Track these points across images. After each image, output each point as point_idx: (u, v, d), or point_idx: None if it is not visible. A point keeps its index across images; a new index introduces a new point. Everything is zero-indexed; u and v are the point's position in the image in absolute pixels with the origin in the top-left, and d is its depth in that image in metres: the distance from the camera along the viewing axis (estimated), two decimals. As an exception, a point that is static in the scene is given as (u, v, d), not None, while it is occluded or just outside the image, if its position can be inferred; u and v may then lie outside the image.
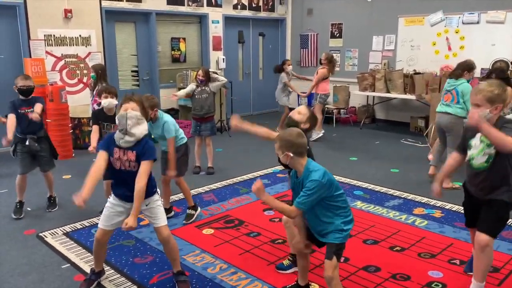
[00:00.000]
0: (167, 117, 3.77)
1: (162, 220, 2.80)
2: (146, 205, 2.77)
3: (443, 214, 4.10)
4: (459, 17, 7.20)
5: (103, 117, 3.87)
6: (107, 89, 3.95)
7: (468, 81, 4.68)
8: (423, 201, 4.45)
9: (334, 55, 7.48)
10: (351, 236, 3.64)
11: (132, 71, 7.73)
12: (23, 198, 4.13)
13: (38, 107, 3.93)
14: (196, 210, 4.02)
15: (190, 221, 3.92)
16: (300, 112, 2.90)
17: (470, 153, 2.63)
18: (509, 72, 6.28)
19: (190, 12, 8.07)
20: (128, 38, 7.58)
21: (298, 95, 7.77)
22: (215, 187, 4.91)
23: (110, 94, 3.87)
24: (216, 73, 7.49)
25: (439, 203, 4.37)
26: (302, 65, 9.52)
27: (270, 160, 5.55)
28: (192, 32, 8.39)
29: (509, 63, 6.66)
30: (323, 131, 7.12)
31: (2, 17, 6.16)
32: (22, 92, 3.94)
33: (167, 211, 3.92)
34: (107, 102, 3.82)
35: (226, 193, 4.71)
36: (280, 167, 5.33)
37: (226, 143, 6.94)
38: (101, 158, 2.65)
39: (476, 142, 2.59)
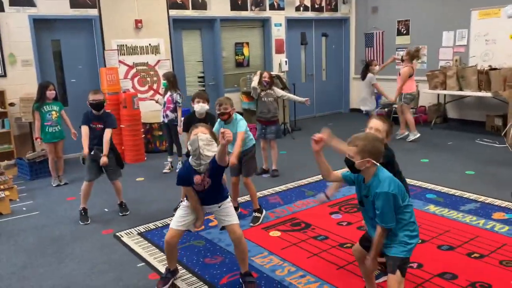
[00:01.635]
0: (241, 117, 3.90)
1: (234, 218, 2.89)
2: (219, 207, 2.88)
3: (526, 219, 3.81)
4: (541, 7, 6.68)
5: (196, 122, 4.02)
6: (199, 94, 4.21)
7: None
8: (503, 205, 4.17)
9: (418, 47, 7.13)
10: (425, 241, 3.49)
11: (199, 77, 7.97)
12: (87, 205, 4.24)
13: (107, 134, 4.08)
14: (261, 213, 4.06)
15: (257, 223, 3.96)
16: (378, 130, 2.80)
17: None
18: None
19: (253, 17, 8.17)
20: (194, 45, 7.83)
21: (378, 96, 7.31)
22: (280, 190, 4.91)
23: (202, 99, 4.11)
24: (278, 75, 7.53)
25: (522, 208, 4.07)
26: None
27: (334, 162, 5.44)
28: (255, 36, 8.49)
29: None
30: (418, 134, 6.87)
31: (80, 30, 6.62)
32: (93, 106, 4.16)
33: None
34: (199, 107, 4.07)
35: (291, 196, 4.70)
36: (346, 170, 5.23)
37: (290, 146, 6.95)
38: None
39: None
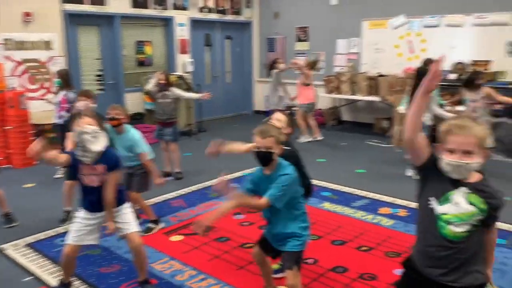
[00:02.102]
0: (135, 131, 3.69)
1: (133, 226, 2.77)
2: (117, 213, 2.75)
3: (408, 213, 4.21)
4: (420, 21, 7.42)
5: None
6: (83, 92, 3.94)
7: None
8: (388, 201, 4.55)
9: (317, 60, 7.54)
10: (320, 237, 3.70)
11: (97, 75, 7.58)
12: None
13: None
14: (157, 224, 3.86)
15: (148, 234, 3.75)
16: (279, 120, 2.94)
17: (443, 209, 1.72)
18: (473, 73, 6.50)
19: (155, 15, 7.98)
20: (91, 41, 7.42)
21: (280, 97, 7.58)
22: (184, 193, 4.85)
23: (87, 96, 3.88)
24: (182, 76, 7.45)
25: (404, 202, 4.48)
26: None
27: (240, 163, 5.52)
28: (158, 35, 8.30)
29: (468, 65, 6.92)
30: (320, 137, 7.20)
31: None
32: None
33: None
34: (84, 104, 3.83)
35: (195, 199, 4.66)
36: (250, 170, 5.35)
37: (195, 147, 6.88)
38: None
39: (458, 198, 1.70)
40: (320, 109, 8.84)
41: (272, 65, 7.38)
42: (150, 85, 5.28)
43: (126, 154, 3.65)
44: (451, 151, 1.65)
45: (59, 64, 6.65)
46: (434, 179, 1.73)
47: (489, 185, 1.71)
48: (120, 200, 2.76)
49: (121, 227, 2.76)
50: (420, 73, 5.11)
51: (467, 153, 1.63)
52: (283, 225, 2.43)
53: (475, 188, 1.68)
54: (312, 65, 7.26)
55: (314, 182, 5.07)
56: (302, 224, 2.45)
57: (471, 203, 1.67)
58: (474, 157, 1.64)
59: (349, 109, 8.70)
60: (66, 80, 5.19)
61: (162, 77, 5.17)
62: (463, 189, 1.68)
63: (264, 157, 2.35)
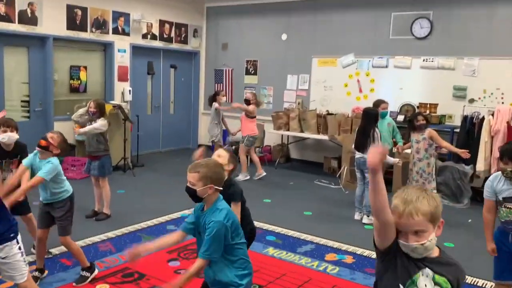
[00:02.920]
0: (56, 160, 3.47)
1: (22, 276, 2.52)
2: (2, 258, 2.43)
3: (354, 260, 4.21)
4: (369, 61, 7.73)
5: (2, 154, 3.64)
6: (5, 122, 3.69)
7: None
8: (335, 246, 4.55)
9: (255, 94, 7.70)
10: (261, 286, 3.61)
11: (23, 101, 7.22)
12: None
13: None
14: (92, 272, 3.63)
15: (82, 283, 3.53)
16: (220, 155, 2.97)
17: None
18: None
19: (93, 39, 7.81)
20: (19, 63, 7.09)
21: (226, 132, 7.79)
22: (113, 235, 4.63)
23: (10, 127, 3.67)
24: (120, 106, 7.29)
25: (350, 248, 4.50)
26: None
27: (178, 203, 5.44)
28: (95, 61, 8.10)
29: (415, 107, 7.29)
30: (263, 174, 7.26)
31: None
32: None
33: (41, 271, 3.59)
34: (7, 136, 3.63)
35: (126, 242, 4.44)
36: (189, 211, 5.23)
37: (130, 184, 6.70)
38: None
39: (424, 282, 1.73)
40: (268, 145, 8.92)
41: (213, 97, 7.45)
42: (78, 114, 5.08)
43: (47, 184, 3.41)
44: (403, 233, 1.62)
45: (-22, 87, 6.29)
46: (397, 263, 1.67)
47: (449, 257, 1.70)
48: (4, 235, 2.45)
49: (6, 274, 2.48)
50: (368, 114, 5.32)
51: (419, 232, 1.60)
52: (220, 272, 2.36)
53: (439, 265, 1.66)
54: (259, 102, 7.48)
55: (258, 224, 5.06)
56: (241, 272, 2.37)
57: (436, 283, 1.65)
58: (427, 234, 1.60)
59: (297, 146, 8.80)
60: None
61: (92, 104, 4.99)
62: (427, 272, 1.65)
63: (189, 193, 2.35)
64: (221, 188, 2.37)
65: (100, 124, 5.01)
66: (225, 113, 7.70)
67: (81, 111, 5.11)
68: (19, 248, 2.52)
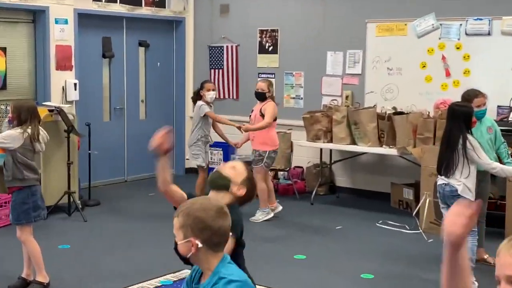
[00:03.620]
0: None
1: None
2: None
3: None
4: (461, 25, 7.63)
5: None
6: None
7: None
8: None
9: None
10: None
11: None
12: None
13: None
14: None
15: None
16: (235, 168, 3.13)
17: None
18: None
19: (16, 5, 7.86)
20: None
21: (228, 145, 7.92)
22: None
23: None
24: (61, 109, 7.25)
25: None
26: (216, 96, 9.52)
27: (156, 264, 5.45)
28: (18, 38, 8.18)
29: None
30: (279, 208, 7.39)
31: None
32: None
33: None
34: None
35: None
36: (172, 277, 5.22)
37: (79, 234, 6.72)
38: None
39: None
40: (298, 167, 8.80)
41: (197, 93, 7.60)
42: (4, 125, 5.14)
43: None
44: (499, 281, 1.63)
45: None
46: None
47: None
48: None
49: None
50: (454, 114, 5.20)
51: None
52: None
53: None
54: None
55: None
56: None
57: None
58: None
59: (347, 167, 8.68)
60: None
61: (10, 109, 5.11)
62: None
63: (175, 250, 2.45)
64: (217, 247, 2.40)
65: (4, 135, 5.06)
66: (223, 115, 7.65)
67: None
68: None
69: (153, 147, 3.04)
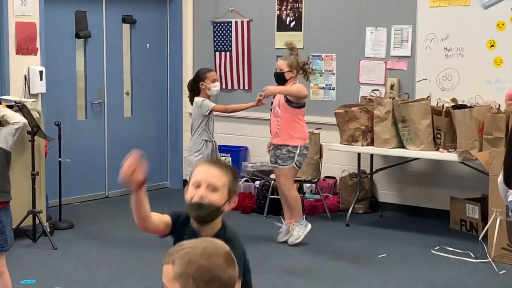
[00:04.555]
0: None
1: None
2: None
3: None
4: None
5: None
6: None
7: None
8: None
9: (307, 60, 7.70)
10: None
11: None
12: None
13: None
14: None
15: None
16: (215, 188, 3.07)
17: None
18: None
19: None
20: None
21: (239, 150, 8.14)
22: None
23: None
24: (23, 104, 7.31)
25: None
26: (222, 87, 9.59)
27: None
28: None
29: None
30: (307, 226, 7.42)
31: None
32: None
33: None
34: None
35: None
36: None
37: (46, 265, 6.75)
38: None
39: None
40: (330, 177, 8.83)
41: (195, 85, 7.56)
42: None
43: None
44: None
45: None
46: None
47: None
48: None
49: None
50: None
51: None
52: None
53: None
54: (304, 68, 7.40)
55: None
56: None
57: None
58: None
59: (393, 177, 8.74)
60: None
61: None
62: None
63: None
64: None
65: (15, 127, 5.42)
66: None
67: None
68: None
69: (123, 179, 2.98)
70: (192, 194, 3.07)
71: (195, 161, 7.26)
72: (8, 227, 5.26)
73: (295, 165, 7.30)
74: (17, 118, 5.59)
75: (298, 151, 7.27)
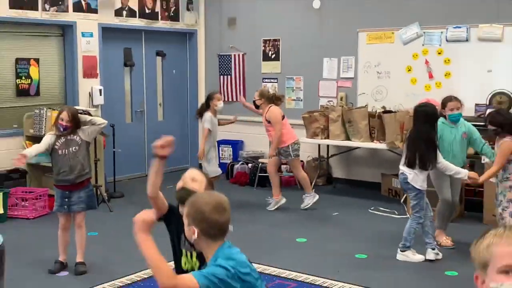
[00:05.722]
0: None
1: None
2: None
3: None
4: (442, 33, 7.68)
5: None
6: None
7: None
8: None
9: (269, 89, 7.70)
10: None
11: None
12: None
13: None
14: None
15: None
16: (195, 179, 3.13)
17: None
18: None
19: (48, 20, 7.92)
20: None
21: (237, 142, 8.11)
22: (87, 294, 4.69)
23: None
24: (88, 112, 7.33)
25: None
26: (223, 100, 9.58)
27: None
28: (50, 50, 8.22)
29: (512, 97, 7.17)
30: (282, 201, 7.40)
31: None
32: None
33: None
34: None
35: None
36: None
37: (105, 223, 6.77)
38: None
39: None
40: (300, 161, 8.86)
41: (206, 103, 7.44)
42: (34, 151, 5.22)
43: None
44: (507, 271, 1.58)
45: None
46: None
47: None
48: None
49: None
50: (421, 115, 5.41)
51: None
52: None
53: None
54: (274, 98, 7.39)
55: (291, 275, 5.05)
56: None
57: None
58: None
59: (342, 161, 8.75)
60: None
61: (65, 116, 5.13)
62: None
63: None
64: (215, 238, 2.47)
65: (100, 126, 5.52)
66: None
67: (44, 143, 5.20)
68: None
69: (155, 146, 2.97)
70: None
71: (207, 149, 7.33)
72: (86, 197, 5.29)
73: (294, 157, 7.31)
74: (101, 120, 5.58)
75: (290, 148, 7.22)
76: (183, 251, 3.10)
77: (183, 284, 2.35)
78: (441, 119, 5.64)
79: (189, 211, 2.50)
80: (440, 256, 5.38)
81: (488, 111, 6.97)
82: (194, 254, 3.03)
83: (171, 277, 2.38)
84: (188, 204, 2.54)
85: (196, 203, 2.49)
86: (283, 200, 7.38)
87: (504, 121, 5.22)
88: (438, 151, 5.29)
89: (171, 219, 3.19)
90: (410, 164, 5.38)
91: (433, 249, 5.37)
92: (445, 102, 5.74)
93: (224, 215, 2.46)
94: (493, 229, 1.65)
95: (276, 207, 7.33)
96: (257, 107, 7.45)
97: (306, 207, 7.30)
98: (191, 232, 2.46)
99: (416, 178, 5.34)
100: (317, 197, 7.36)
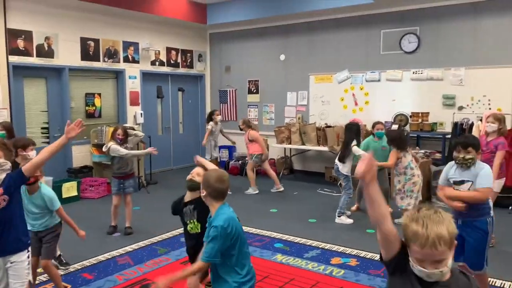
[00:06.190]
0: (47, 188, 3.43)
1: (22, 283, 2.54)
2: (11, 262, 2.53)
3: (358, 262, 4.20)
4: (363, 75, 7.77)
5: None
6: (32, 141, 3.71)
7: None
8: (339, 250, 4.54)
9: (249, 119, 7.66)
10: (272, 292, 3.58)
11: (42, 128, 7.31)
12: None
13: None
14: None
15: None
16: (199, 174, 3.01)
17: None
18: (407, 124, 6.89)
19: (106, 68, 7.91)
20: (38, 93, 7.18)
21: (231, 147, 7.94)
22: (131, 249, 4.63)
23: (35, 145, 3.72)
24: (133, 128, 7.35)
25: (354, 251, 4.49)
26: (222, 119, 9.63)
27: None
28: (108, 87, 8.19)
29: (408, 117, 7.30)
30: (281, 188, 7.14)
31: None
32: None
33: None
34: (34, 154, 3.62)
35: (143, 255, 4.45)
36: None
37: (144, 201, 6.71)
38: None
39: None
40: (272, 159, 8.92)
41: (210, 116, 7.67)
42: (115, 147, 5.13)
43: (37, 215, 3.36)
44: (421, 260, 1.46)
45: (2, 117, 6.37)
46: (404, 278, 1.53)
47: (459, 278, 1.54)
48: (16, 245, 2.56)
49: (11, 280, 2.52)
50: (349, 128, 5.57)
51: (439, 261, 1.45)
52: (220, 280, 2.37)
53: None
54: (248, 123, 7.23)
55: (267, 233, 5.08)
56: (239, 279, 2.35)
57: None
58: (447, 260, 1.47)
59: (300, 158, 8.80)
60: (11, 132, 5.03)
61: (120, 132, 5.18)
62: None
63: None
64: (217, 199, 2.42)
65: (140, 138, 5.76)
66: (228, 130, 7.71)
67: (112, 143, 5.17)
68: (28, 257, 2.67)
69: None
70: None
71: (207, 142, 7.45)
72: (134, 184, 5.30)
73: (253, 161, 7.13)
74: (141, 133, 5.88)
75: (254, 156, 7.05)
76: (188, 221, 3.08)
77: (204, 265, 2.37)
78: (370, 136, 5.75)
79: (202, 180, 2.50)
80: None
81: (393, 126, 7.11)
82: (194, 220, 3.04)
83: (201, 266, 2.37)
84: (203, 176, 2.56)
85: (206, 175, 2.50)
86: (257, 191, 7.19)
87: (395, 137, 5.17)
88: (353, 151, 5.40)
89: (176, 211, 3.25)
90: (339, 159, 5.50)
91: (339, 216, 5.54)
92: (374, 124, 5.80)
93: (223, 184, 2.43)
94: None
95: (253, 193, 7.14)
96: (241, 130, 7.31)
97: (248, 193, 7.13)
98: (202, 192, 2.46)
99: (343, 168, 5.48)
100: (257, 191, 7.12)
